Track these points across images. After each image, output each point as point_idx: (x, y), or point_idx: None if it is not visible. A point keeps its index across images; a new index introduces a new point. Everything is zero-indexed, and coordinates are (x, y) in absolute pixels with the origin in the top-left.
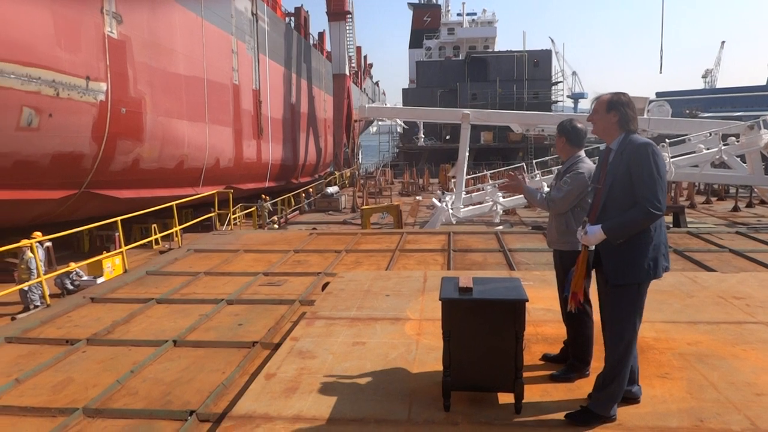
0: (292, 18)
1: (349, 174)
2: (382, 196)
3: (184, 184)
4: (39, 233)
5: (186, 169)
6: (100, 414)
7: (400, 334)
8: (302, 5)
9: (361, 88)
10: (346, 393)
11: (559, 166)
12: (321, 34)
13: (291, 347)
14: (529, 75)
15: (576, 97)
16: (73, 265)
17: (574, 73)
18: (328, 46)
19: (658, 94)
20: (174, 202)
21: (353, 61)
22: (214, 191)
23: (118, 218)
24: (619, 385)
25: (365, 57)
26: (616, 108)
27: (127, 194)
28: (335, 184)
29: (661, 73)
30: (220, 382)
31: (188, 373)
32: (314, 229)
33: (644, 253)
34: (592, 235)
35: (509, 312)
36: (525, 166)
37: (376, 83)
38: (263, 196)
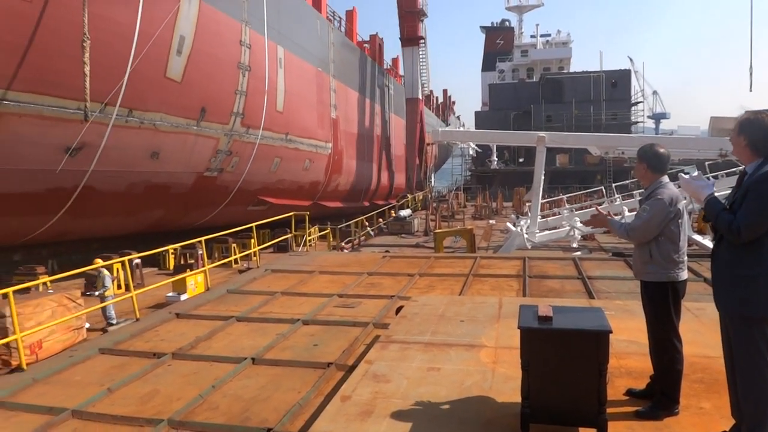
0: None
1: (421, 197)
2: (455, 220)
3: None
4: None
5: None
6: (183, 426)
7: (475, 361)
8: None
9: (447, 124)
10: (421, 419)
11: (641, 190)
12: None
13: (366, 370)
14: (606, 96)
15: (657, 117)
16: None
17: (654, 93)
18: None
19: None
20: (254, 224)
21: (426, 86)
22: (290, 214)
23: (202, 238)
24: None
25: (450, 96)
26: (745, 131)
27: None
28: (408, 207)
29: (751, 91)
30: (296, 401)
31: (265, 390)
32: (387, 251)
33: (759, 285)
34: (696, 183)
35: (592, 343)
36: (604, 190)
37: (458, 117)
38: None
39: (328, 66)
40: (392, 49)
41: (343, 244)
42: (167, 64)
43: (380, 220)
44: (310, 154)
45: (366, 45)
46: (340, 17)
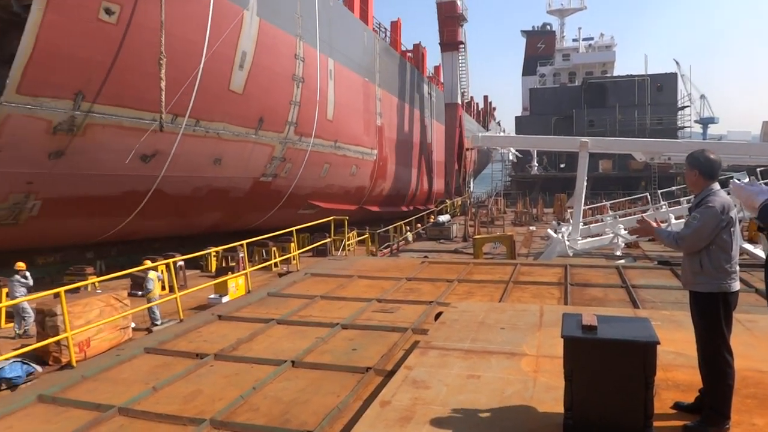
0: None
1: (460, 202)
2: (494, 226)
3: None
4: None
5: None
6: (224, 426)
7: (516, 369)
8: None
9: (487, 129)
10: (461, 427)
11: (688, 197)
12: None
13: (405, 376)
14: (651, 100)
15: (705, 122)
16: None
17: (702, 97)
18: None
19: None
20: (294, 228)
21: (466, 92)
22: (329, 218)
23: (243, 242)
24: None
25: (490, 102)
26: None
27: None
28: (446, 213)
29: None
30: (335, 405)
31: (305, 393)
32: (426, 257)
33: None
34: (750, 189)
35: (638, 354)
36: (649, 197)
37: (498, 123)
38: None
39: (374, 76)
40: (435, 57)
41: (379, 251)
42: (230, 78)
43: (419, 225)
44: (357, 160)
45: (410, 54)
46: (385, 28)
